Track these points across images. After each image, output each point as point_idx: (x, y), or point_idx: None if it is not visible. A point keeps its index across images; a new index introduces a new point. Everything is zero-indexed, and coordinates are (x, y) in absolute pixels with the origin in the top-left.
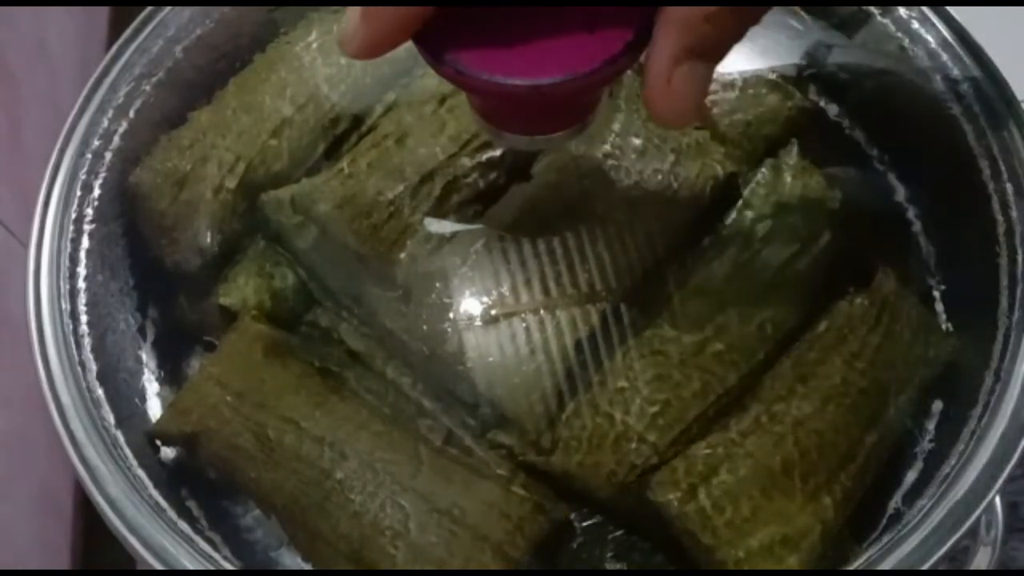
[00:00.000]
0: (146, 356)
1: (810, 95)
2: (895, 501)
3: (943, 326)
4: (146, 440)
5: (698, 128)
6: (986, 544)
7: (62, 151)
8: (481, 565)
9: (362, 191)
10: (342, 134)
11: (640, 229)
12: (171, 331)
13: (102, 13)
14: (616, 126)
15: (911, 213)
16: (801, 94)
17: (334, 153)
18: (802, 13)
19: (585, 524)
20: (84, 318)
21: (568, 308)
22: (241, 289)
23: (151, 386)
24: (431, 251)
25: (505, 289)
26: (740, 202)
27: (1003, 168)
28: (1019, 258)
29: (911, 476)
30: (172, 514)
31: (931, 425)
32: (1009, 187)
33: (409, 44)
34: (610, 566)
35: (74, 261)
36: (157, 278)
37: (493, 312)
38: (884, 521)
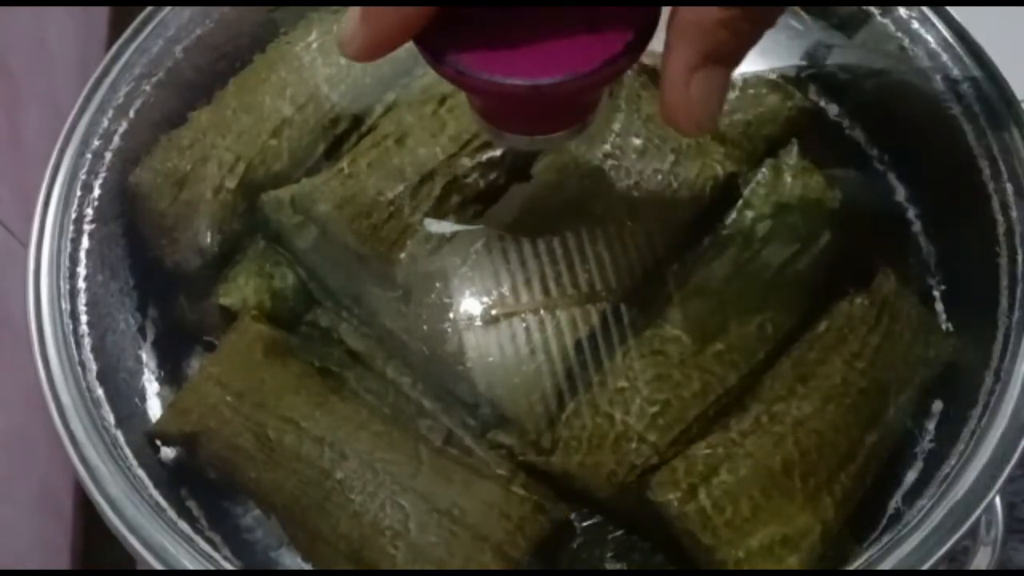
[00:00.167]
0: (146, 356)
1: (810, 95)
2: (895, 501)
3: (943, 326)
4: (146, 440)
5: None
6: (986, 544)
7: (62, 151)
8: (481, 565)
9: (362, 191)
10: (342, 134)
11: (640, 229)
12: (171, 331)
13: (102, 13)
14: (616, 126)
15: (911, 213)
16: (801, 94)
17: (334, 153)
18: (802, 13)
19: (585, 524)
20: (84, 318)
21: (568, 308)
22: (241, 289)
23: (151, 386)
24: (431, 251)
25: (505, 289)
26: (740, 202)
27: (1003, 168)
28: (1019, 258)
29: (911, 476)
30: (172, 514)
31: (931, 425)
32: (1009, 187)
33: (409, 44)
34: (610, 566)
35: (74, 261)
36: (157, 278)
37: (493, 312)
38: (884, 521)
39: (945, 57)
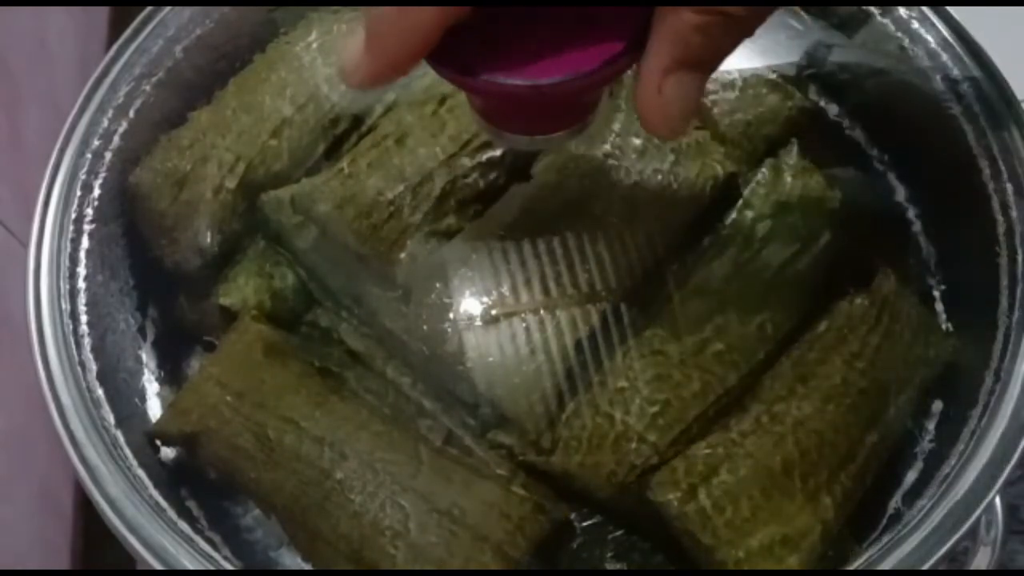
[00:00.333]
0: (146, 356)
1: (810, 95)
2: (895, 501)
3: (943, 326)
4: (146, 440)
5: (698, 128)
6: (986, 544)
7: (62, 151)
8: (481, 565)
9: (362, 191)
10: (342, 134)
11: (640, 229)
12: (171, 331)
13: (102, 13)
14: (616, 126)
15: (911, 213)
16: (801, 94)
17: (334, 153)
18: (802, 13)
19: (585, 524)
20: (84, 318)
21: (568, 308)
22: (241, 289)
23: (151, 386)
24: (431, 251)
25: (505, 289)
26: (740, 202)
27: (1003, 168)
28: (1019, 258)
29: (911, 476)
30: (172, 514)
31: (931, 425)
32: (1009, 187)
33: None
34: (610, 566)
35: (74, 261)
36: (157, 278)
37: (493, 312)
38: (884, 521)
39: (945, 57)
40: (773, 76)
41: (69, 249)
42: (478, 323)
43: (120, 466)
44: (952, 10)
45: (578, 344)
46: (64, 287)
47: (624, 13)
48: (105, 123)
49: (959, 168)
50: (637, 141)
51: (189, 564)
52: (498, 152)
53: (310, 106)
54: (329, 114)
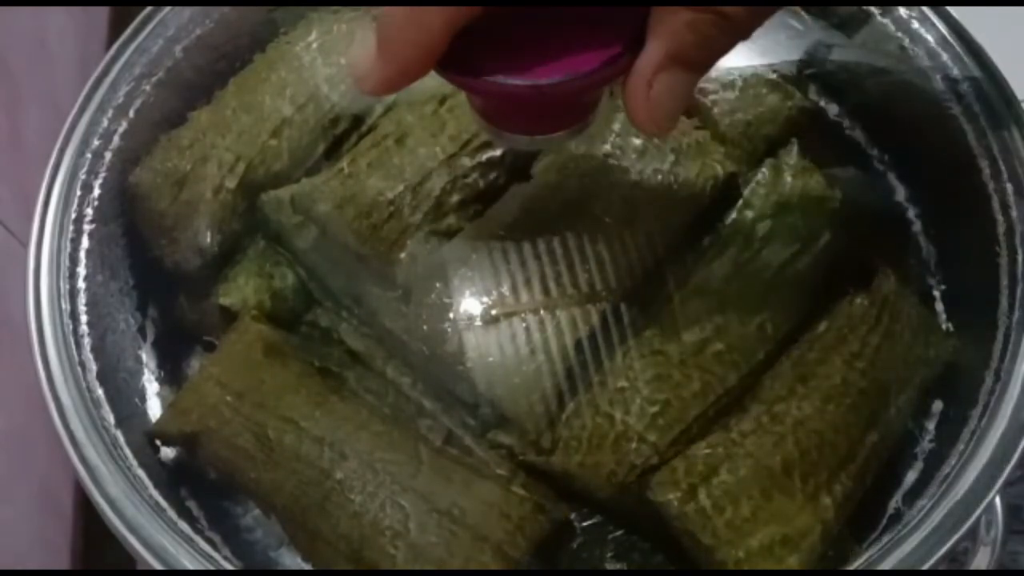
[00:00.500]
0: (146, 356)
1: (810, 95)
2: (895, 501)
3: (943, 326)
4: (146, 440)
5: (698, 128)
6: (986, 544)
7: (62, 151)
8: (481, 565)
9: (362, 191)
10: (342, 134)
11: (640, 229)
12: (171, 331)
13: (102, 13)
14: (616, 126)
15: (911, 213)
16: (801, 94)
17: (334, 153)
18: (802, 13)
19: (585, 524)
20: (84, 318)
21: (568, 308)
22: (241, 289)
23: (151, 386)
24: (431, 251)
25: (505, 289)
26: (740, 202)
27: (1003, 168)
28: (1019, 258)
29: (911, 476)
30: (172, 514)
31: (931, 425)
32: (1009, 187)
33: None
34: (610, 566)
35: (74, 261)
36: (157, 278)
37: (493, 312)
38: (884, 521)
39: (945, 57)
40: (773, 76)
41: (69, 249)
42: (478, 323)
43: (120, 466)
44: (952, 10)
45: (578, 344)
46: (64, 287)
47: (624, 14)
48: (105, 123)
49: (959, 168)
50: (637, 141)
51: (189, 564)
52: (498, 152)
53: (310, 106)
54: (329, 114)
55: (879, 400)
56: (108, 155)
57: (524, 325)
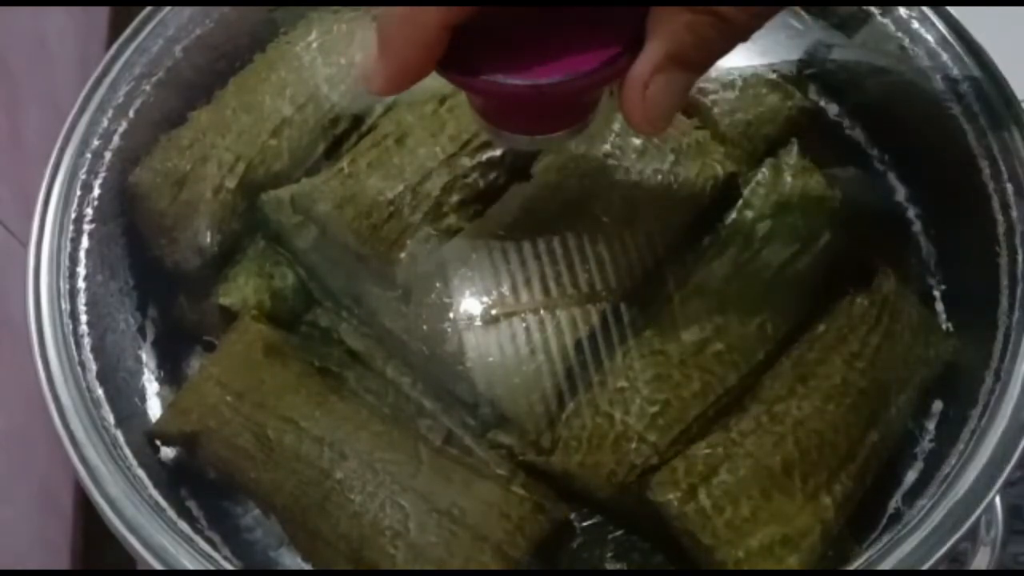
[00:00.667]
0: (146, 356)
1: (810, 95)
2: (895, 501)
3: (943, 326)
4: (146, 440)
5: (698, 128)
6: (986, 544)
7: (62, 150)
8: (481, 565)
9: (362, 191)
10: (342, 134)
11: (640, 229)
12: (171, 331)
13: (102, 13)
14: (616, 126)
15: (911, 213)
16: (801, 94)
17: (334, 153)
18: (802, 13)
19: (585, 524)
20: (84, 318)
21: (568, 308)
22: (241, 289)
23: (151, 386)
24: (431, 251)
25: (505, 289)
26: (740, 202)
27: (1003, 168)
28: (1019, 258)
29: (911, 476)
30: (172, 514)
31: (931, 425)
32: (1009, 187)
33: None
34: (610, 566)
35: (74, 261)
36: (157, 278)
37: (493, 312)
38: (884, 521)
39: (945, 57)
40: (773, 76)
41: (69, 249)
42: (478, 323)
43: (120, 466)
44: (952, 10)
45: (578, 344)
46: (64, 287)
47: (623, 14)
48: (105, 123)
49: (959, 168)
50: (637, 141)
51: (189, 564)
52: (498, 152)
53: (310, 106)
54: (329, 114)
55: (879, 400)
56: (108, 155)
57: (524, 325)
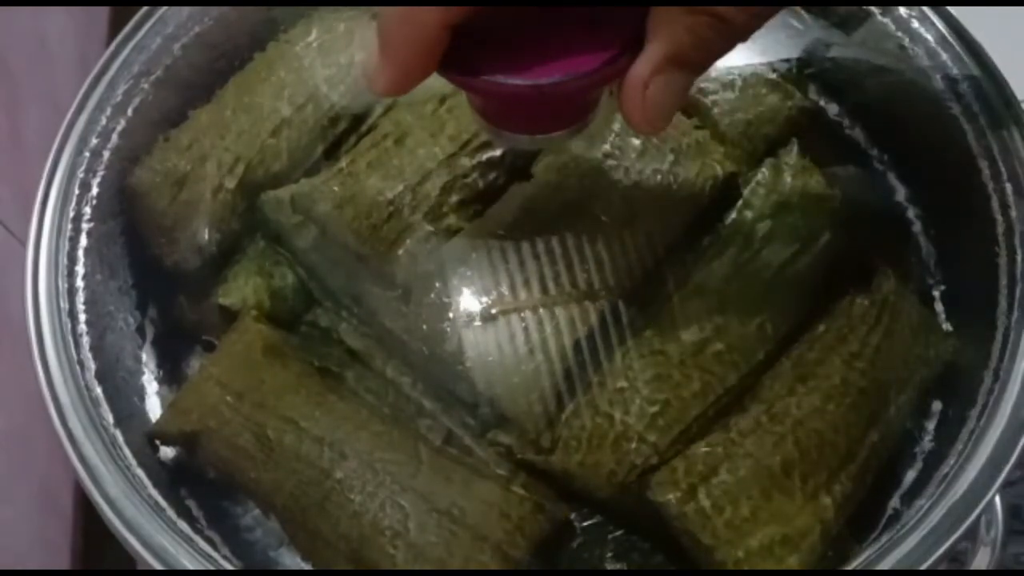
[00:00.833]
0: (145, 355)
1: (810, 95)
2: (895, 501)
3: (943, 326)
4: (146, 440)
5: (698, 128)
6: (986, 544)
7: (60, 149)
8: (481, 565)
9: (362, 191)
10: (341, 134)
11: (640, 229)
12: (171, 330)
13: (102, 12)
14: (616, 126)
15: (911, 213)
16: (801, 93)
17: (334, 153)
18: (802, 12)
19: (585, 524)
20: (83, 317)
21: (568, 308)
22: (241, 289)
23: (150, 385)
24: (431, 251)
25: (504, 289)
26: (740, 202)
27: (1003, 168)
28: (1019, 258)
29: (911, 476)
30: (172, 514)
31: (931, 425)
32: (1009, 187)
33: None
34: (610, 566)
35: (72, 259)
36: (156, 277)
37: (493, 311)
38: (883, 521)
39: (945, 56)
40: (773, 75)
41: (67, 247)
42: (477, 323)
43: (120, 466)
44: (952, 9)
45: (577, 344)
46: (63, 285)
47: (623, 14)
48: (103, 121)
49: (959, 168)
50: (637, 141)
51: (189, 564)
52: (498, 152)
53: (309, 106)
54: (328, 114)
55: (879, 400)
56: (107, 153)
57: (523, 325)
